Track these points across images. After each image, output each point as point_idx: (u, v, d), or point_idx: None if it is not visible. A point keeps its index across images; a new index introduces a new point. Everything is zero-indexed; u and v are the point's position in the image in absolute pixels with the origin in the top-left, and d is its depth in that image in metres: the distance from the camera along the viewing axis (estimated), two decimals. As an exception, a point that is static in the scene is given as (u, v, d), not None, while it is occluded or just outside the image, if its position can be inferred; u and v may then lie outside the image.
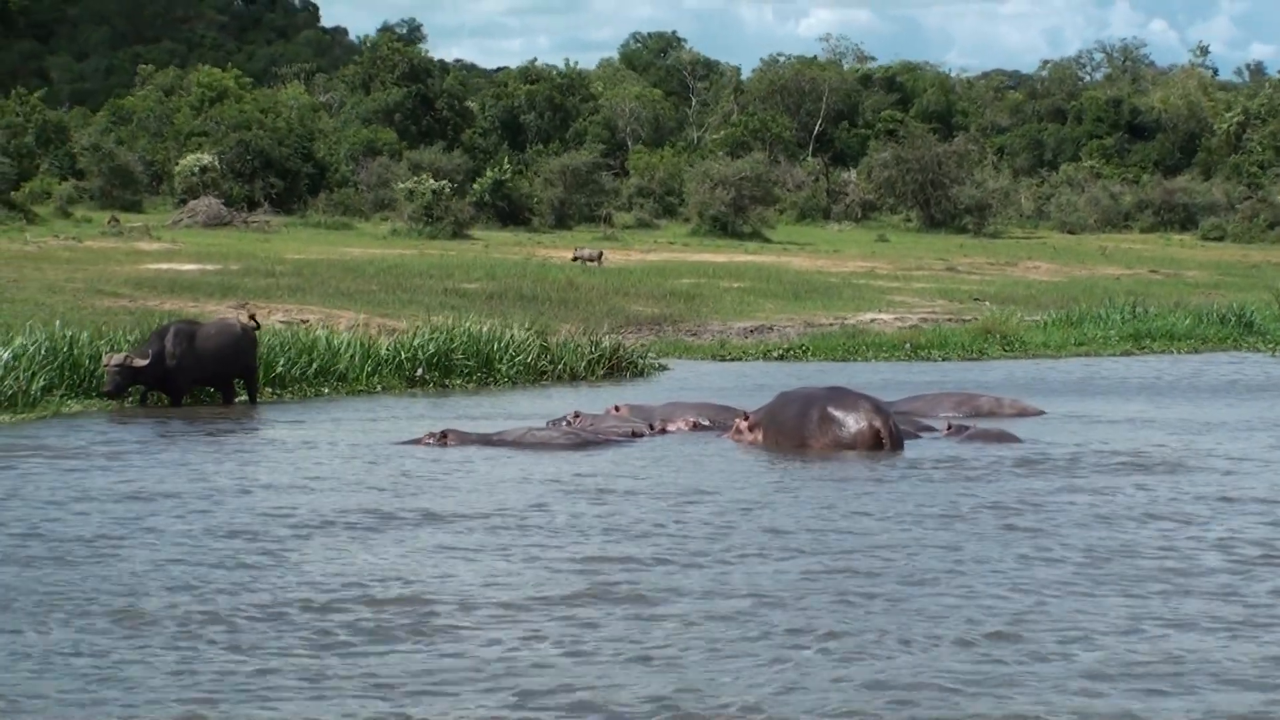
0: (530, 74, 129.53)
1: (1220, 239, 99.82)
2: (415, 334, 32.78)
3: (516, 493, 19.10)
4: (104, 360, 26.41)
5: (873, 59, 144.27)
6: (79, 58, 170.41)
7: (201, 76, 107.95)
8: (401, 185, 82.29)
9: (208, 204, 77.31)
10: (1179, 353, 40.61)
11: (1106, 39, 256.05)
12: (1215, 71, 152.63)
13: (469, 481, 20.00)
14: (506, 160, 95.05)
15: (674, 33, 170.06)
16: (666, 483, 19.93)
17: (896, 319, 49.48)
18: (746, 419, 23.40)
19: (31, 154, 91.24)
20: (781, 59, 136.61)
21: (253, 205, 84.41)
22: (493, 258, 62.83)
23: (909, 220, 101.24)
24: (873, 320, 48.95)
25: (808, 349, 39.41)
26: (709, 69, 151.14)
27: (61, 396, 26.60)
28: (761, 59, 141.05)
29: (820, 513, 17.85)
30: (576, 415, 24.67)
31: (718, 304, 51.37)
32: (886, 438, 22.07)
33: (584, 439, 22.87)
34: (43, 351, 27.08)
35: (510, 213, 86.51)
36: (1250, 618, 13.54)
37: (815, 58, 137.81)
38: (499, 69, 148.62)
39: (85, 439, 22.95)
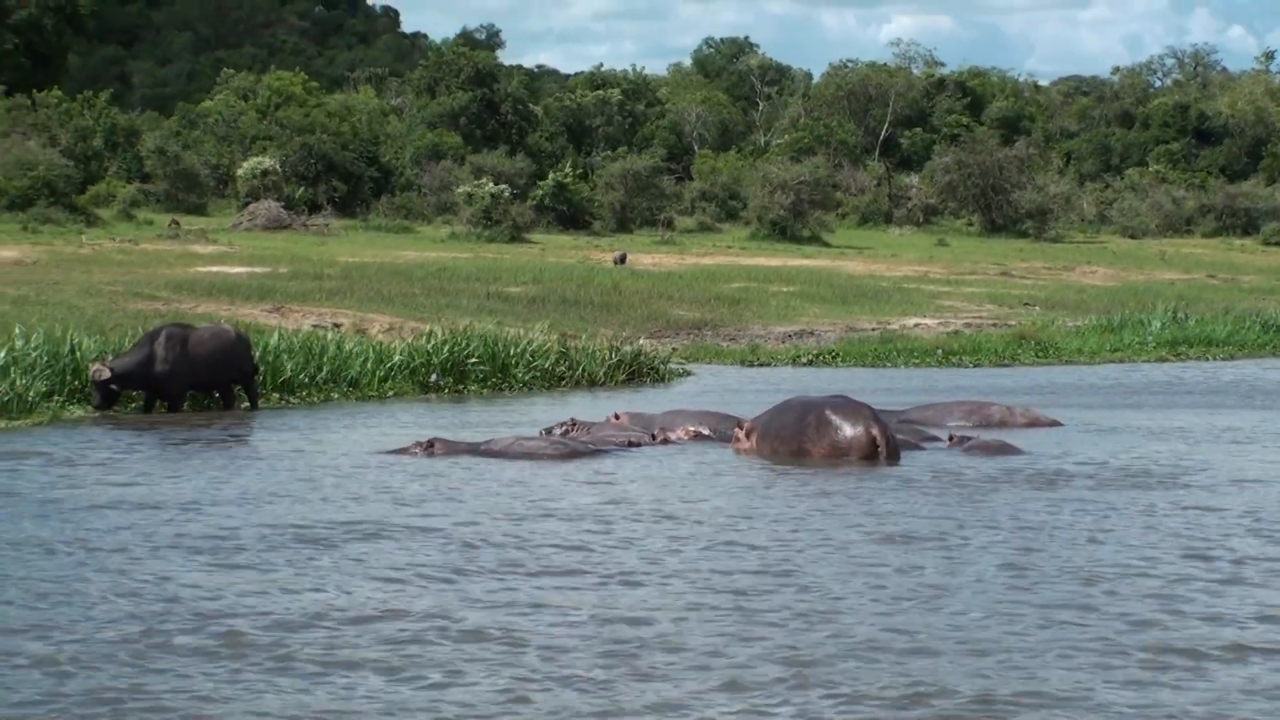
0: (597, 79, 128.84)
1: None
2: (430, 339, 32.04)
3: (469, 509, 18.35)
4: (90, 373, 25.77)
5: (942, 65, 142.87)
6: (161, 63, 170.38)
7: (270, 80, 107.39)
8: (461, 189, 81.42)
9: (267, 207, 76.73)
10: (1215, 359, 39.62)
11: (1179, 45, 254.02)
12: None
13: (435, 495, 19.24)
14: (569, 165, 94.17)
15: (746, 38, 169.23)
16: (623, 499, 19.08)
17: (940, 324, 48.63)
18: (742, 427, 22.68)
19: (100, 157, 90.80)
20: (850, 65, 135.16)
21: (315, 208, 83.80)
22: (545, 261, 62.11)
23: (970, 225, 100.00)
24: (916, 325, 48.10)
25: (838, 355, 38.69)
26: (781, 74, 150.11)
27: (62, 403, 25.97)
28: (831, 64, 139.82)
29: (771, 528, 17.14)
30: (574, 423, 23.96)
31: (762, 309, 50.59)
32: (883, 446, 21.29)
33: (572, 449, 22.08)
34: (45, 357, 26.43)
35: (571, 216, 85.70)
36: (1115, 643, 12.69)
37: (885, 64, 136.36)
38: (578, 74, 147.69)
39: (54, 446, 22.26)
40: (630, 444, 23.00)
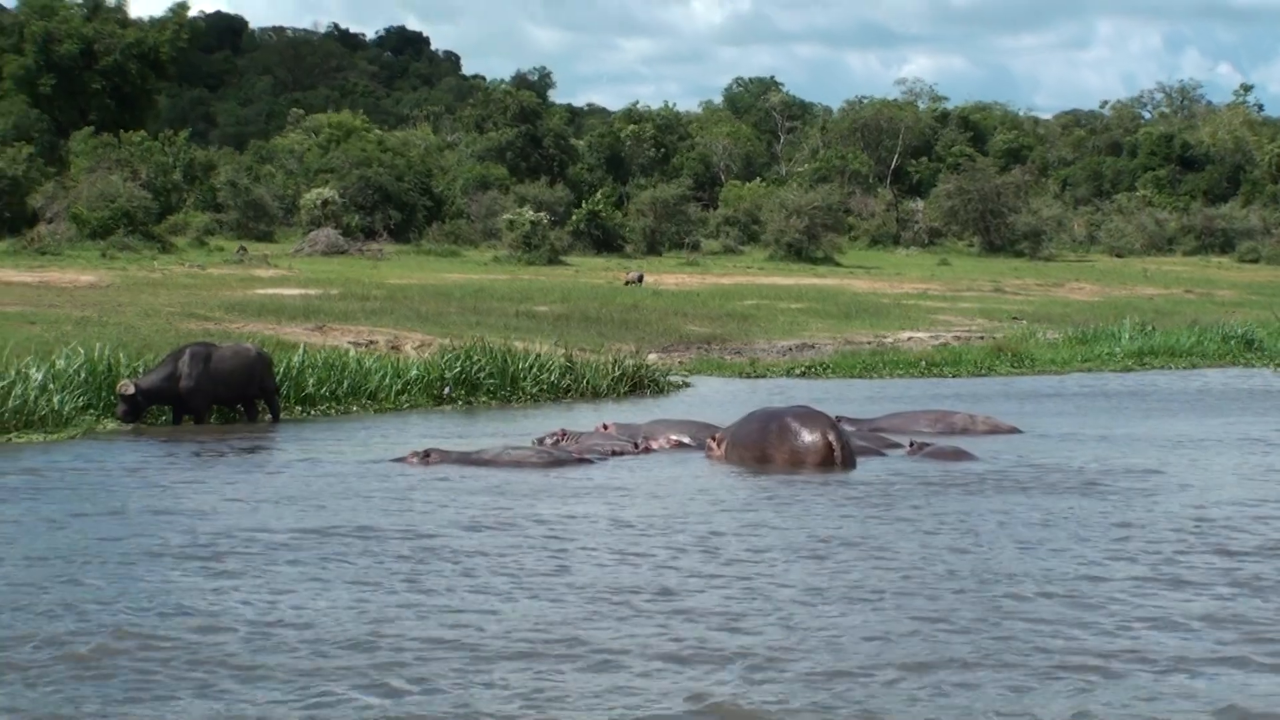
0: (633, 115, 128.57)
1: (1255, 261, 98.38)
2: (444, 354, 31.57)
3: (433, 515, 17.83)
4: (118, 389, 25.32)
5: (946, 99, 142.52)
6: (243, 104, 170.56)
7: (331, 118, 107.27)
8: (504, 217, 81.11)
9: (326, 234, 76.46)
10: (1177, 369, 38.89)
11: (1168, 81, 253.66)
12: (1261, 108, 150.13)
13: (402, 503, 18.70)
14: (600, 193, 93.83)
15: (772, 77, 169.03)
16: (581, 509, 18.49)
17: (931, 337, 48.04)
18: (714, 437, 22.22)
19: (178, 190, 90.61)
20: (864, 100, 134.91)
21: (372, 235, 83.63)
22: (578, 282, 61.59)
23: (971, 245, 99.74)
24: (909, 339, 47.54)
25: (829, 367, 38.01)
26: (804, 110, 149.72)
27: (97, 416, 25.50)
28: (846, 100, 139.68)
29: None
30: (564, 433, 23.45)
31: (770, 324, 50.02)
32: (839, 452, 20.76)
33: (557, 458, 21.54)
34: (83, 374, 25.99)
35: (604, 240, 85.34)
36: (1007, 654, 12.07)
37: (895, 99, 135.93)
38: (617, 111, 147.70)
39: (70, 459, 21.79)
40: (614, 453, 22.48)
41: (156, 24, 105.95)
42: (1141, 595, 13.71)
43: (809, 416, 21.43)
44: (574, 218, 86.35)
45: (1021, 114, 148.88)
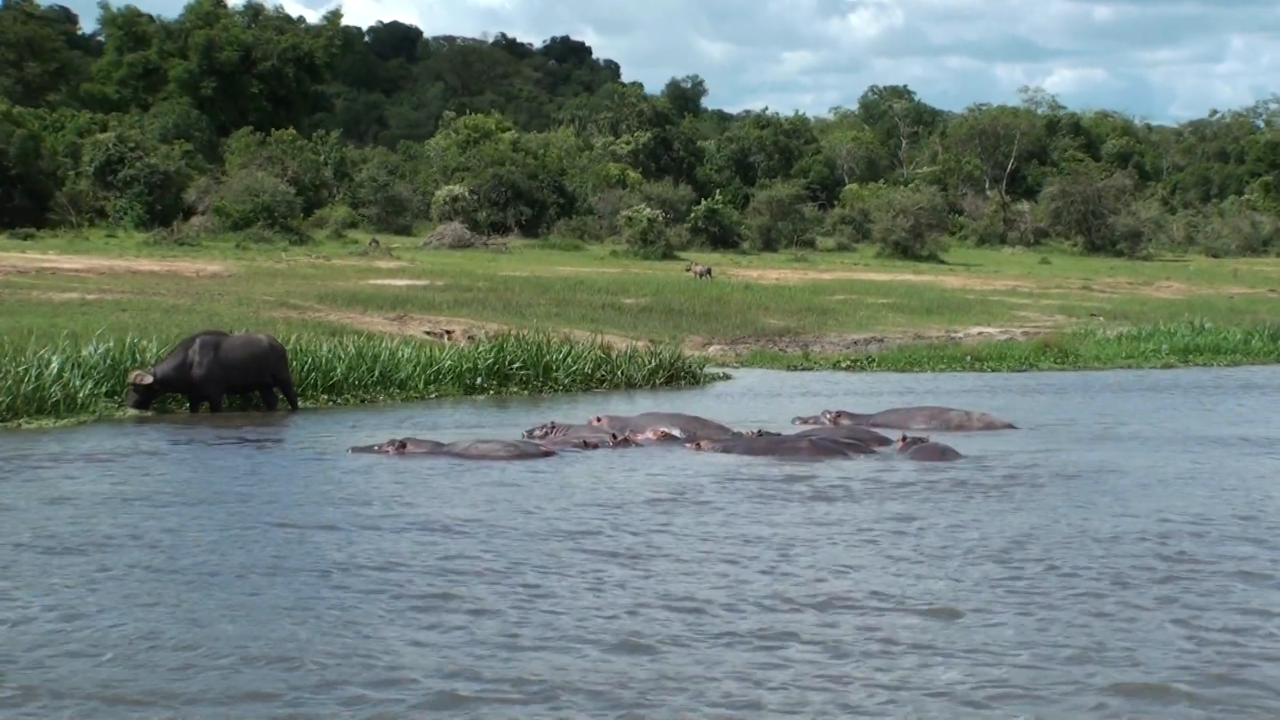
0: (761, 120, 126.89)
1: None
2: (478, 344, 30.21)
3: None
4: (132, 377, 24.14)
5: (1063, 108, 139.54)
6: (415, 108, 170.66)
7: (466, 120, 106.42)
8: (623, 213, 79.80)
9: (454, 229, 75.59)
10: (1220, 366, 36.73)
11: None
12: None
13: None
14: (719, 193, 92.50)
15: (905, 86, 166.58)
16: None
17: (1001, 332, 46.14)
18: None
19: (328, 186, 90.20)
20: (983, 107, 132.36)
21: (505, 230, 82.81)
22: (675, 276, 59.88)
23: (1074, 245, 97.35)
24: (978, 333, 45.68)
25: (875, 360, 36.20)
26: (934, 116, 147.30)
27: (120, 404, 24.29)
28: (967, 107, 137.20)
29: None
30: (553, 426, 22.06)
31: (848, 318, 48.31)
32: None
33: (523, 451, 20.12)
34: (107, 360, 24.88)
35: (721, 237, 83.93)
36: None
37: (1013, 107, 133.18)
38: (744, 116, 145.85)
39: (70, 445, 20.66)
40: (587, 445, 21.04)
41: (312, 30, 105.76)
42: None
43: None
44: (692, 215, 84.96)
45: (1136, 121, 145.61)
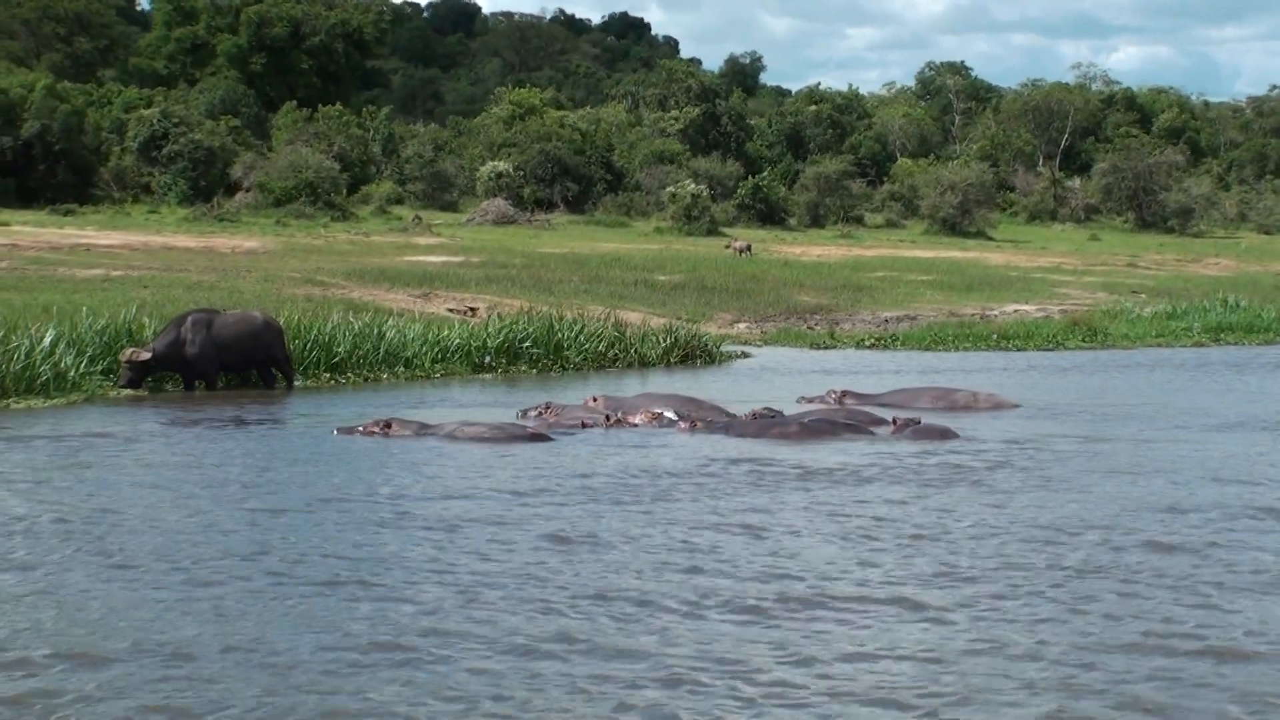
0: (815, 95, 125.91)
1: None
2: (487, 323, 29.66)
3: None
4: (121, 356, 23.67)
5: (1117, 83, 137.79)
6: (473, 84, 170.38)
7: (511, 94, 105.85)
8: (667, 189, 79.10)
9: (497, 205, 75.06)
10: (1251, 345, 35.90)
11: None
12: None
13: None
14: (766, 169, 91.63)
15: (962, 62, 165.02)
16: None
17: (1038, 309, 45.37)
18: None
19: (375, 162, 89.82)
20: (1037, 83, 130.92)
21: (550, 206, 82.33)
22: (712, 252, 59.17)
23: (1126, 222, 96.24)
24: (1015, 311, 44.94)
25: (899, 339, 35.53)
26: (990, 92, 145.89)
27: (114, 383, 23.80)
28: (1020, 83, 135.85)
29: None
30: (548, 406, 21.55)
31: (884, 295, 47.58)
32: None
33: (510, 433, 19.59)
34: (102, 339, 24.41)
35: (768, 213, 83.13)
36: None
37: (1066, 83, 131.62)
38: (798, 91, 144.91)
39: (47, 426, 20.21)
40: (584, 425, 20.53)
41: (361, 6, 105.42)
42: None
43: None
44: (739, 192, 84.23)
45: (1194, 98, 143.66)
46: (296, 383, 25.34)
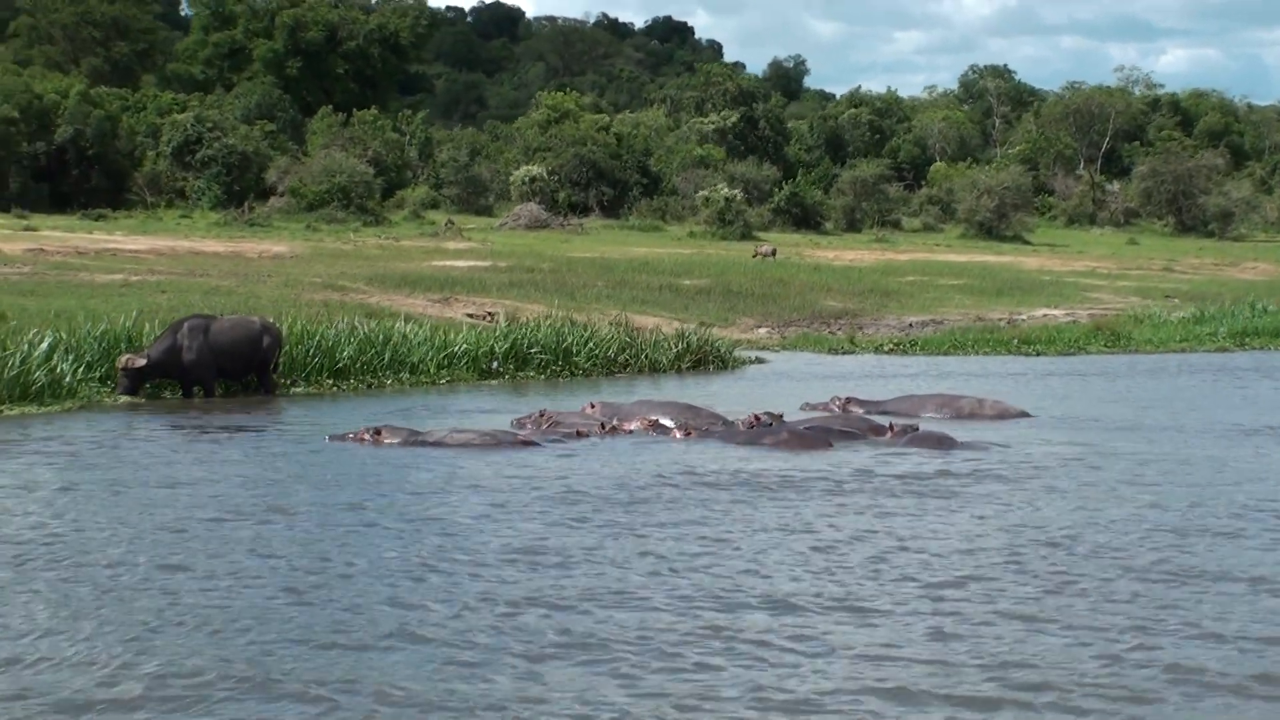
0: (856, 99, 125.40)
1: None
2: (496, 328, 29.36)
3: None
4: (117, 363, 23.43)
5: (1160, 85, 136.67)
6: (516, 88, 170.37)
7: (546, 98, 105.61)
8: (701, 193, 78.73)
9: (530, 209, 74.83)
10: (1277, 349, 35.34)
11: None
12: None
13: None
14: (803, 174, 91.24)
15: (1004, 65, 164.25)
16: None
17: (1066, 314, 44.89)
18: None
19: (410, 166, 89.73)
20: (1078, 86, 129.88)
21: (585, 210, 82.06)
22: (741, 258, 58.73)
23: (1166, 226, 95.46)
24: (1043, 315, 44.47)
25: (917, 344, 35.09)
26: (1033, 95, 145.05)
27: (111, 389, 23.55)
28: (1061, 86, 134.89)
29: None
30: (543, 413, 21.21)
31: (912, 300, 47.21)
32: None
33: (498, 440, 19.29)
34: (100, 345, 24.17)
35: (803, 218, 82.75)
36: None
37: (1108, 86, 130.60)
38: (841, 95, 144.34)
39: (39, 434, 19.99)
40: (579, 433, 20.21)
41: (399, 10, 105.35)
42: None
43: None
44: (775, 196, 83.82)
45: (1237, 101, 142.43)
46: (298, 389, 25.07)
